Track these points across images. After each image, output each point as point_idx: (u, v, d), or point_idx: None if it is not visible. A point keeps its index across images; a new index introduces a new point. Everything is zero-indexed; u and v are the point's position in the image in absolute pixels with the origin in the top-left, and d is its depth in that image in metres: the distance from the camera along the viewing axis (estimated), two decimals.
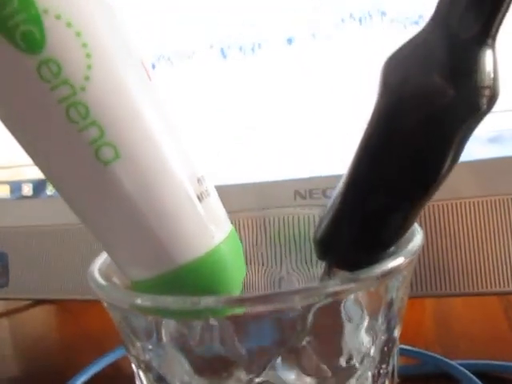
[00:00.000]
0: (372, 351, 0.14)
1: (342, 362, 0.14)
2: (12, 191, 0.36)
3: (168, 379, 0.15)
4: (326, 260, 0.15)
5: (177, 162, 0.14)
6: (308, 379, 0.14)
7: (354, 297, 0.14)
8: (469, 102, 0.11)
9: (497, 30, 0.11)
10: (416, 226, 0.15)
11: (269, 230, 0.22)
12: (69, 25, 0.12)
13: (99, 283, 0.15)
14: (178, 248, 0.14)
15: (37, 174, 0.35)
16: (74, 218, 0.15)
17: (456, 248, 0.25)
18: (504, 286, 0.25)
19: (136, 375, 0.17)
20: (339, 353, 0.14)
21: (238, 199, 0.26)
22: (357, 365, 0.14)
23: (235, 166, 0.29)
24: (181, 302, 0.13)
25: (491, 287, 0.25)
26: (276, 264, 0.21)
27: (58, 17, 0.12)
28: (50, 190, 0.34)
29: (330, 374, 0.14)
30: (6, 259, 0.35)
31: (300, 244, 0.21)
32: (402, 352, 0.25)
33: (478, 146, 0.25)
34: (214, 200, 0.15)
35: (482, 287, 0.25)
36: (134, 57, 0.14)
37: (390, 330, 0.15)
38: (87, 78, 0.12)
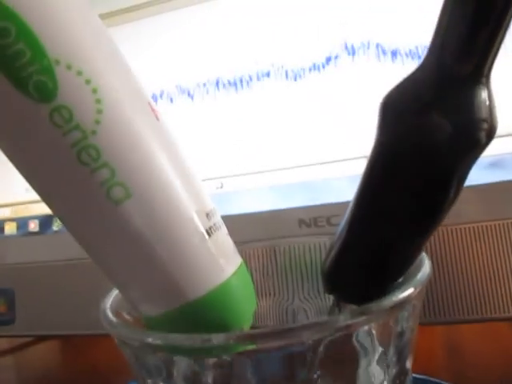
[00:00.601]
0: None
1: None
2: (18, 228, 0.36)
3: None
4: (334, 294, 0.15)
5: (186, 199, 0.14)
6: None
7: (364, 329, 0.14)
8: (467, 136, 0.12)
9: (490, 69, 0.11)
10: (423, 254, 0.16)
11: (278, 260, 0.22)
12: (79, 73, 0.12)
13: (111, 321, 0.15)
14: (188, 283, 0.14)
15: (43, 209, 0.36)
16: (80, 253, 0.15)
17: (463, 273, 0.25)
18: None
19: None
20: None
21: (242, 229, 0.26)
22: None
23: (239, 195, 0.29)
24: (191, 339, 0.13)
25: (500, 313, 0.25)
26: (286, 294, 0.21)
27: (68, 66, 0.12)
28: (56, 226, 0.35)
29: None
30: (12, 296, 0.35)
31: (310, 273, 0.21)
32: (413, 380, 0.25)
33: (480, 171, 0.26)
34: (223, 234, 0.16)
35: (491, 313, 0.25)
36: (142, 99, 0.14)
37: (401, 361, 0.15)
38: (98, 122, 0.13)
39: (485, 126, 0.12)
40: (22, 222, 0.36)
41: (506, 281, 0.25)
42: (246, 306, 0.16)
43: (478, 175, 0.26)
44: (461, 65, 0.11)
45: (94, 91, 0.13)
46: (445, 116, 0.11)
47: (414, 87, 0.12)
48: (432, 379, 0.26)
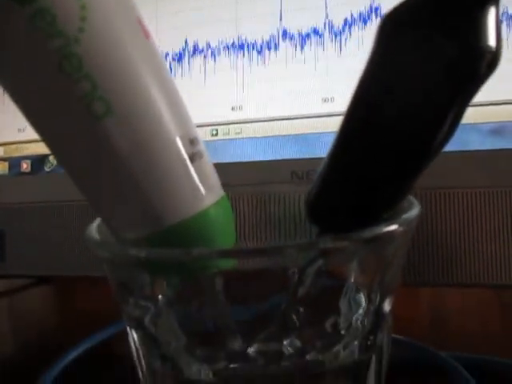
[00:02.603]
0: (359, 320, 0.14)
1: (328, 326, 0.14)
2: (10, 168, 0.36)
3: (159, 338, 0.15)
4: (317, 224, 0.15)
5: (170, 122, 0.14)
6: (298, 342, 0.14)
7: (345, 262, 0.13)
8: (466, 63, 0.11)
9: None
10: (414, 200, 0.15)
11: (268, 206, 0.22)
12: None
13: (94, 238, 0.15)
14: (166, 208, 0.14)
15: (35, 150, 0.35)
16: (72, 194, 0.15)
17: (453, 238, 0.25)
18: (499, 279, 0.25)
19: (129, 336, 0.16)
20: (325, 317, 0.14)
21: (235, 177, 0.26)
22: (343, 331, 0.14)
23: (233, 144, 0.29)
24: (173, 252, 0.13)
25: (487, 279, 0.25)
26: (278, 240, 0.21)
27: None
28: (48, 167, 0.34)
29: (317, 337, 0.14)
30: (3, 236, 0.35)
31: (301, 221, 0.21)
32: (393, 342, 0.25)
33: (479, 137, 0.25)
34: (207, 163, 0.15)
35: (478, 279, 0.25)
36: (130, 14, 0.14)
37: (379, 301, 0.15)
38: (81, 30, 0.12)
39: (487, 54, 0.11)
40: (13, 162, 0.35)
41: (492, 248, 0.25)
42: (224, 241, 0.15)
43: (478, 141, 0.25)
44: None
45: None
46: (446, 38, 0.11)
47: (419, 4, 0.11)
48: (414, 342, 0.26)
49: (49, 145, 0.14)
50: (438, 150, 0.13)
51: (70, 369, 0.26)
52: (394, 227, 0.13)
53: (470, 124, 0.25)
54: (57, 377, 0.25)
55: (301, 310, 0.14)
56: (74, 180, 0.15)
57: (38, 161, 0.34)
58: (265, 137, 0.29)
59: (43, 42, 0.12)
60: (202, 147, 0.15)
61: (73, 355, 0.27)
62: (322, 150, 0.26)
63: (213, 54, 0.30)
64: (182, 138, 0.14)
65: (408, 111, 0.12)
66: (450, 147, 0.25)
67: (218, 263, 0.14)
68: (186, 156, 0.14)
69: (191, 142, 0.15)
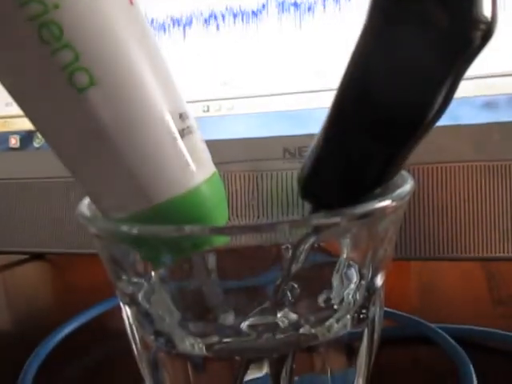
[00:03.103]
0: (351, 294, 0.14)
1: (321, 301, 0.14)
2: None
3: (153, 314, 0.15)
4: (310, 201, 0.15)
5: (157, 94, 0.13)
6: (291, 316, 0.14)
7: (338, 238, 0.13)
8: (462, 35, 0.11)
9: None
10: (408, 174, 0.15)
11: (261, 183, 0.22)
12: None
13: (85, 214, 0.15)
14: (154, 185, 0.14)
15: (23, 125, 0.35)
16: (63, 171, 0.14)
17: (444, 213, 0.25)
18: (488, 253, 0.25)
19: (123, 311, 0.17)
20: (318, 292, 0.14)
21: (226, 154, 0.26)
22: (335, 306, 0.14)
23: (225, 121, 0.29)
24: (166, 229, 0.13)
25: (475, 253, 0.25)
26: (270, 217, 0.21)
27: None
28: (37, 143, 0.34)
29: (310, 311, 0.14)
30: None
31: (292, 198, 0.21)
32: (384, 314, 0.26)
33: (471, 111, 0.25)
34: (197, 139, 0.15)
35: (467, 252, 0.25)
36: None
37: (371, 276, 0.15)
38: None
39: (481, 26, 0.11)
40: (2, 137, 0.35)
41: (481, 222, 0.25)
42: (217, 217, 0.15)
43: (469, 115, 0.25)
44: None
45: None
46: (440, 8, 0.11)
47: None
48: (405, 314, 0.27)
49: (31, 120, 0.14)
50: (431, 124, 0.13)
51: (63, 343, 0.26)
52: (386, 203, 0.13)
53: (463, 97, 0.25)
54: (50, 351, 0.25)
55: (294, 285, 0.14)
56: (59, 156, 0.14)
57: (27, 136, 0.34)
58: (257, 113, 0.28)
59: (19, 9, 0.11)
60: (192, 122, 0.15)
61: (67, 330, 0.27)
62: (315, 127, 0.26)
63: (206, 21, 0.29)
64: (170, 112, 0.14)
65: (401, 83, 0.12)
66: (442, 121, 0.24)
67: (210, 240, 0.13)
68: (175, 131, 0.14)
69: (181, 116, 0.14)
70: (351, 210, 0.12)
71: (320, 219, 0.12)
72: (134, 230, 0.13)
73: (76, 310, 0.29)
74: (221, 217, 0.16)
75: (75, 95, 0.12)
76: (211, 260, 0.16)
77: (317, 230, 0.13)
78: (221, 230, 0.13)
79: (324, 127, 0.14)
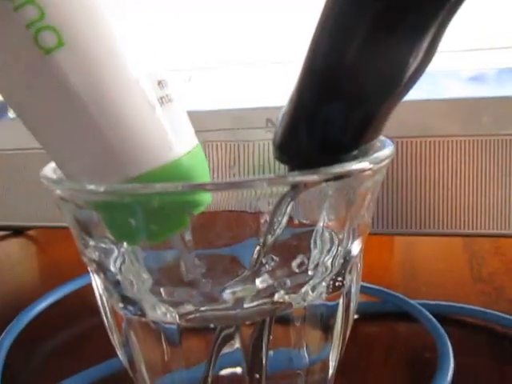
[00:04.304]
0: (328, 261, 0.14)
1: (296, 267, 0.14)
2: None
3: (123, 281, 0.15)
4: (285, 162, 0.14)
5: (132, 58, 0.13)
6: (267, 283, 0.14)
7: (315, 203, 0.13)
8: None
9: None
10: (388, 140, 0.15)
11: (242, 154, 0.21)
12: None
13: (50, 177, 0.14)
14: (130, 157, 0.13)
15: None
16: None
17: (428, 187, 0.25)
18: (471, 229, 0.25)
19: (93, 281, 0.16)
20: (294, 258, 0.14)
21: (208, 126, 0.25)
22: (310, 271, 0.14)
23: (207, 92, 0.28)
24: (134, 187, 0.12)
25: (458, 228, 0.25)
26: None
27: None
28: (12, 113, 0.33)
29: (286, 277, 0.13)
30: None
31: (275, 169, 0.20)
32: (364, 289, 0.26)
33: (459, 85, 0.25)
34: (177, 109, 0.14)
35: (450, 228, 0.25)
36: None
37: (348, 244, 0.15)
38: None
39: None
40: None
41: (466, 198, 0.25)
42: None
43: (456, 89, 0.25)
44: None
45: None
46: None
47: None
48: (386, 290, 0.27)
49: None
50: (410, 82, 0.12)
51: (39, 319, 0.26)
52: (364, 164, 0.13)
53: (450, 71, 0.25)
54: (24, 327, 0.25)
55: (273, 257, 0.14)
56: (27, 124, 0.13)
57: (1, 106, 0.33)
58: (239, 83, 0.28)
59: None
60: (172, 91, 0.14)
61: (44, 304, 0.27)
62: None
63: None
64: (147, 79, 0.13)
65: (380, 31, 0.11)
66: (428, 95, 0.24)
67: (186, 199, 0.13)
68: (152, 98, 0.13)
69: (159, 83, 0.13)
70: (328, 169, 0.12)
71: (297, 177, 0.12)
72: (101, 189, 0.12)
73: (56, 284, 0.28)
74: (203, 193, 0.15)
75: (42, 57, 0.12)
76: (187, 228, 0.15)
77: (294, 189, 0.12)
78: (195, 186, 0.13)
79: (296, 88, 0.13)
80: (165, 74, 0.14)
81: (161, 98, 0.13)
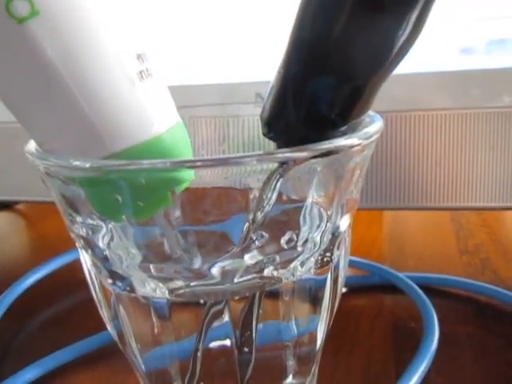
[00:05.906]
0: (316, 237, 0.14)
1: (285, 243, 0.14)
2: None
3: (111, 257, 0.15)
4: (273, 139, 0.14)
5: (109, 28, 0.12)
6: (257, 258, 0.14)
7: (304, 179, 0.13)
8: None
9: None
10: (377, 115, 0.15)
11: (230, 129, 0.21)
12: None
13: (35, 151, 0.14)
14: (108, 133, 0.12)
15: None
16: None
17: (417, 161, 0.25)
18: (456, 202, 0.25)
19: (81, 257, 0.16)
20: (283, 234, 0.14)
21: (198, 99, 0.25)
22: (299, 248, 0.14)
23: (196, 66, 0.27)
24: (124, 163, 0.12)
25: (445, 202, 0.25)
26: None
27: None
28: None
29: (275, 253, 0.13)
30: None
31: (263, 146, 0.20)
32: (351, 263, 0.26)
33: (450, 57, 0.24)
34: (157, 84, 0.13)
35: (436, 202, 0.25)
36: None
37: (336, 219, 0.15)
38: None
39: None
40: None
41: (453, 171, 0.25)
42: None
43: (446, 61, 0.24)
44: None
45: None
46: None
47: None
48: (374, 263, 0.27)
49: None
50: (398, 56, 0.12)
51: (31, 290, 0.26)
52: (353, 140, 0.13)
53: (440, 43, 0.24)
54: (17, 298, 0.25)
55: (263, 233, 0.14)
56: (3, 101, 0.12)
57: None
58: (227, 57, 0.27)
59: None
60: (152, 65, 0.13)
61: (34, 277, 0.27)
62: None
63: None
64: (125, 51, 0.12)
65: (368, 3, 0.11)
66: (417, 68, 0.24)
67: (172, 176, 0.13)
68: (131, 72, 0.12)
69: (139, 57, 0.13)
70: (317, 145, 0.12)
71: (286, 153, 0.12)
72: (87, 164, 0.12)
73: (45, 259, 0.28)
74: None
75: (15, 27, 0.11)
76: (176, 204, 0.15)
77: (283, 166, 0.12)
78: (184, 163, 0.12)
79: (282, 61, 0.13)
80: (144, 47, 0.13)
81: (140, 72, 0.13)
